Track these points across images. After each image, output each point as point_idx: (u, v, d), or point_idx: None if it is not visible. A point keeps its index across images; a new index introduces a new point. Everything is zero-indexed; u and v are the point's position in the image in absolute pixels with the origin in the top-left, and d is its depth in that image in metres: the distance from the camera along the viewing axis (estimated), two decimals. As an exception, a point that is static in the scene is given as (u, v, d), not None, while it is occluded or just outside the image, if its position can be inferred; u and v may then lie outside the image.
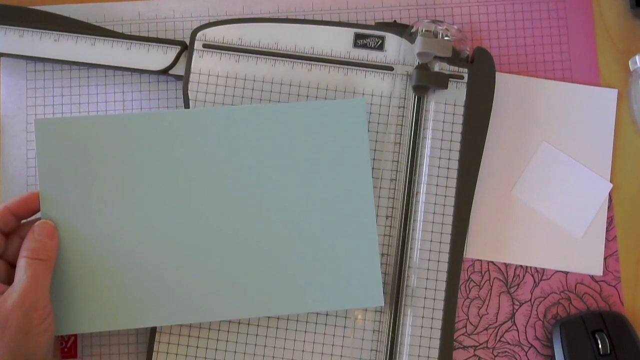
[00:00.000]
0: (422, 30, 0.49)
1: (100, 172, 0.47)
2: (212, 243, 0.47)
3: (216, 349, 0.48)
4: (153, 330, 0.48)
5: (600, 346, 0.47)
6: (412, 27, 0.50)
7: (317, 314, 0.48)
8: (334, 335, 0.48)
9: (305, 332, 0.48)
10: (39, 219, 0.46)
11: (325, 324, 0.48)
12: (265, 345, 0.48)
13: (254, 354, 0.48)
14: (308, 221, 0.47)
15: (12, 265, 0.45)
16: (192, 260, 0.46)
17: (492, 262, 0.50)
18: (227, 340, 0.48)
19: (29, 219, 0.47)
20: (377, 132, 0.50)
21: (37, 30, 0.51)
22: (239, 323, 0.48)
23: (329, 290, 0.46)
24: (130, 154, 0.47)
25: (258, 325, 0.48)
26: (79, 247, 0.46)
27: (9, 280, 0.43)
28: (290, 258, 0.47)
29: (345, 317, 0.48)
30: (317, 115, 0.48)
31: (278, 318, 0.48)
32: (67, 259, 0.46)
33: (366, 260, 0.47)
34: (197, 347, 0.48)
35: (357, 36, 0.51)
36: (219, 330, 0.48)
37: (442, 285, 0.48)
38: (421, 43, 0.49)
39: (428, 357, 0.48)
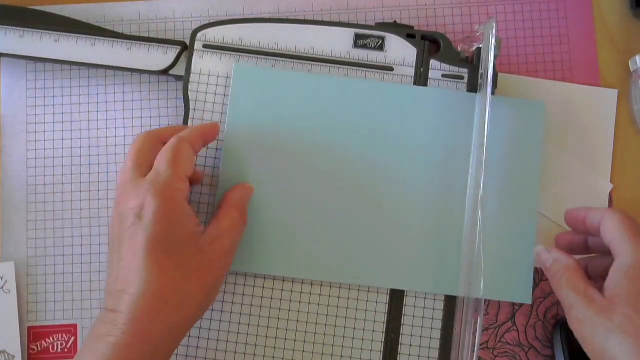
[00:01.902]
0: (493, 34, 0.48)
1: (279, 123, 0.49)
2: (363, 212, 0.48)
3: (216, 349, 0.48)
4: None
5: (600, 346, 0.47)
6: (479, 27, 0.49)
7: (317, 314, 0.48)
8: (334, 335, 0.48)
9: (305, 332, 0.48)
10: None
11: (325, 324, 0.48)
12: (265, 345, 0.48)
13: (254, 354, 0.48)
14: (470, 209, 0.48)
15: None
16: (347, 223, 0.48)
17: (492, 262, 0.50)
18: (227, 341, 0.48)
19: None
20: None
21: (37, 30, 0.51)
22: (238, 323, 0.48)
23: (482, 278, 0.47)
24: (308, 111, 0.49)
25: (258, 326, 0.48)
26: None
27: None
28: (448, 241, 0.48)
29: (346, 317, 0.48)
30: (496, 110, 0.48)
31: (278, 318, 0.48)
32: None
33: (520, 257, 0.48)
34: (197, 347, 0.48)
35: (357, 36, 0.51)
36: (218, 330, 0.48)
37: (443, 285, 0.49)
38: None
39: (428, 357, 0.48)
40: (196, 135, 0.45)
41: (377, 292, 0.48)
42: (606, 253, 0.43)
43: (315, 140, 0.49)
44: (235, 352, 0.48)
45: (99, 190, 0.52)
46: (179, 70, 0.51)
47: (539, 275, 0.50)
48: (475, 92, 0.49)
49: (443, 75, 0.50)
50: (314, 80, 0.49)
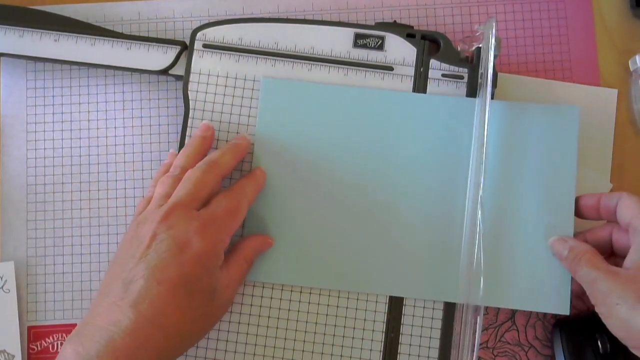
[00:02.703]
0: (493, 34, 0.48)
1: (305, 135, 0.49)
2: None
3: (216, 349, 0.48)
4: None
5: (600, 346, 0.47)
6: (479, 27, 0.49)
7: (317, 313, 0.48)
8: (334, 335, 0.48)
9: (305, 332, 0.48)
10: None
11: (325, 324, 0.48)
12: (265, 345, 0.48)
13: (254, 354, 0.48)
14: (507, 218, 0.48)
15: None
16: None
17: (492, 262, 0.50)
18: (227, 340, 0.48)
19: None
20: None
21: (37, 30, 0.51)
22: (238, 323, 0.48)
23: (517, 288, 0.47)
24: (332, 122, 0.49)
25: (258, 325, 0.48)
26: (271, 198, 0.48)
27: None
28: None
29: (346, 317, 0.48)
30: (528, 117, 0.48)
31: (278, 318, 0.48)
32: (260, 206, 0.48)
33: (557, 267, 0.47)
34: (197, 347, 0.48)
35: (357, 36, 0.51)
36: (219, 330, 0.48)
37: (443, 285, 0.49)
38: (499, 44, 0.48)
39: (428, 357, 0.48)
40: (255, 194, 0.47)
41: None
42: (603, 250, 0.45)
43: (331, 151, 0.49)
44: (235, 352, 0.48)
45: (99, 190, 0.52)
46: (179, 70, 0.51)
47: (539, 275, 0.50)
48: (475, 92, 0.49)
49: (443, 75, 0.50)
50: (341, 92, 0.49)
